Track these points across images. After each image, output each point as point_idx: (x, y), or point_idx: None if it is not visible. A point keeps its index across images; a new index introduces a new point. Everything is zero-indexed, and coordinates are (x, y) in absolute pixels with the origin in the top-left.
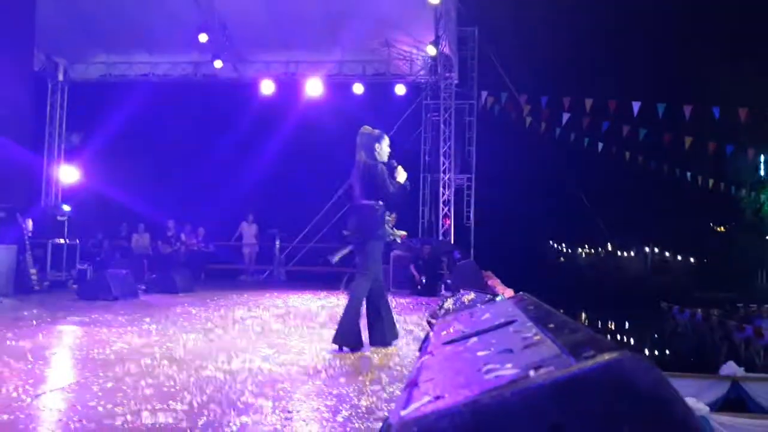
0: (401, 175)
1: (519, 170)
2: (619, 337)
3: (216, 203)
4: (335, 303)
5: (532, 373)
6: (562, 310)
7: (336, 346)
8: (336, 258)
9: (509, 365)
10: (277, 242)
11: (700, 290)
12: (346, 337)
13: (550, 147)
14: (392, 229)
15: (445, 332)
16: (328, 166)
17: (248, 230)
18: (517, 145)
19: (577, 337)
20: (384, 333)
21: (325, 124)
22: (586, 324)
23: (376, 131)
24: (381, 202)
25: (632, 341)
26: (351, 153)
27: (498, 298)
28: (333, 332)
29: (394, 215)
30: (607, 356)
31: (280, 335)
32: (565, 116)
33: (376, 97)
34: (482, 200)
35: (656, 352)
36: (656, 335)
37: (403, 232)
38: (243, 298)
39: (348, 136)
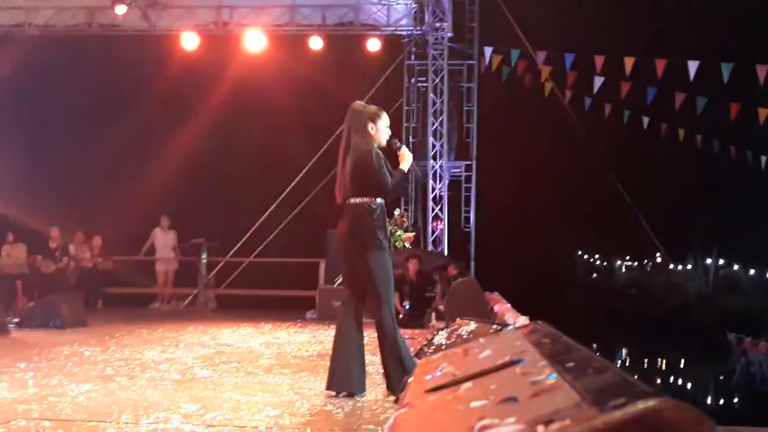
0: (405, 160)
1: (535, 156)
2: (672, 379)
3: (118, 203)
4: (286, 340)
5: (541, 429)
6: (595, 345)
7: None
8: None
9: (512, 419)
10: (204, 256)
11: None
12: (397, 382)
13: (578, 123)
14: (402, 230)
15: (430, 376)
16: (276, 151)
17: (163, 240)
18: (532, 122)
19: (603, 380)
20: (351, 377)
21: (271, 93)
22: (627, 363)
23: (372, 108)
24: (378, 200)
25: (688, 385)
26: (307, 133)
27: (506, 330)
28: (283, 379)
29: (402, 213)
30: (641, 405)
31: (208, 385)
32: (598, 81)
33: (340, 56)
34: (486, 197)
35: (720, 400)
36: (721, 376)
37: (410, 235)
38: (156, 335)
39: (303, 109)
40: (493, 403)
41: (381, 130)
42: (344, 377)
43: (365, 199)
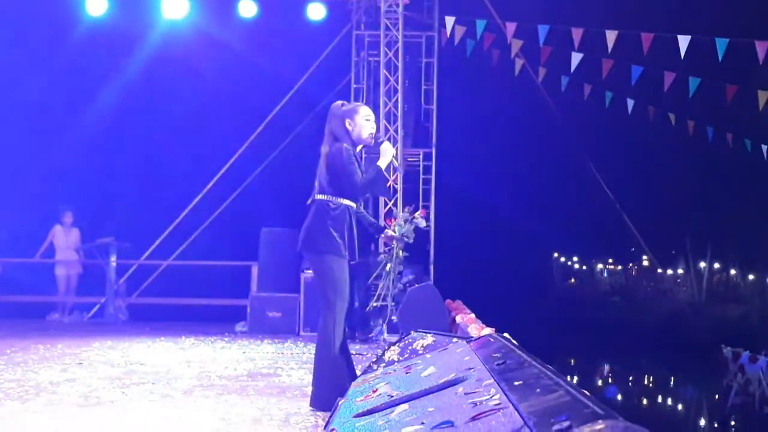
0: (384, 155)
1: (504, 143)
2: (659, 399)
3: (9, 195)
4: (210, 357)
5: None
6: (573, 360)
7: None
8: None
9: None
10: (113, 258)
11: None
12: (327, 399)
13: (553, 106)
14: (412, 225)
15: (362, 398)
16: (200, 134)
17: (65, 239)
18: (501, 103)
19: (551, 401)
20: (324, 393)
21: (195, 68)
22: (609, 380)
23: (348, 105)
24: (343, 201)
25: (678, 406)
26: (238, 114)
27: (455, 344)
28: (206, 403)
29: (420, 212)
30: (587, 429)
31: (115, 411)
32: (576, 58)
33: (276, 25)
34: (448, 190)
35: (714, 424)
36: (715, 396)
37: (422, 221)
38: (55, 351)
39: (233, 87)
40: (427, 429)
41: (359, 124)
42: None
43: (327, 197)
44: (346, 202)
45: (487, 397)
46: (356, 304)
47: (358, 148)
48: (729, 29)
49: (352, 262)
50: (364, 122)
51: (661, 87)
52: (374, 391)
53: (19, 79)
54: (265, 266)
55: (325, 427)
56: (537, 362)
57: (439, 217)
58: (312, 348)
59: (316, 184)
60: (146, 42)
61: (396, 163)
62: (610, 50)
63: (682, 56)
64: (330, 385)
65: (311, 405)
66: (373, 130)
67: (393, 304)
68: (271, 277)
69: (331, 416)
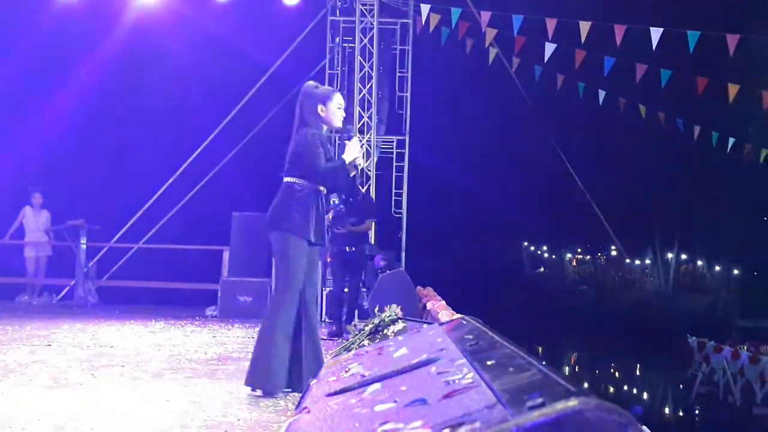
0: (349, 151)
1: (478, 132)
2: (625, 387)
3: None
4: (181, 341)
5: None
6: (541, 348)
7: (249, 388)
8: None
9: (418, 423)
10: (83, 241)
11: (746, 318)
12: (259, 377)
13: (527, 96)
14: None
15: (334, 378)
16: (173, 117)
17: (34, 220)
18: (475, 92)
19: (523, 379)
20: (301, 374)
21: (168, 51)
22: (575, 368)
23: (324, 88)
24: (307, 182)
25: (644, 394)
26: (211, 98)
27: (428, 326)
28: (176, 386)
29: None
30: (560, 405)
31: (84, 392)
32: (550, 48)
33: (251, 8)
34: (421, 177)
35: (679, 412)
36: (680, 385)
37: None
38: (23, 333)
39: (207, 71)
40: (399, 406)
41: (332, 111)
42: (296, 373)
43: (293, 179)
44: (310, 184)
45: (460, 376)
46: (345, 290)
47: (324, 129)
48: (700, 22)
49: (317, 245)
50: (335, 110)
51: (633, 78)
52: (346, 371)
53: (2, 66)
54: (236, 250)
55: (297, 406)
56: (509, 343)
57: (411, 204)
58: None
59: (285, 165)
60: (120, 24)
61: (360, 164)
62: (583, 41)
63: (654, 48)
64: (262, 365)
65: (245, 383)
66: (343, 118)
67: (364, 290)
68: (243, 262)
69: (303, 396)
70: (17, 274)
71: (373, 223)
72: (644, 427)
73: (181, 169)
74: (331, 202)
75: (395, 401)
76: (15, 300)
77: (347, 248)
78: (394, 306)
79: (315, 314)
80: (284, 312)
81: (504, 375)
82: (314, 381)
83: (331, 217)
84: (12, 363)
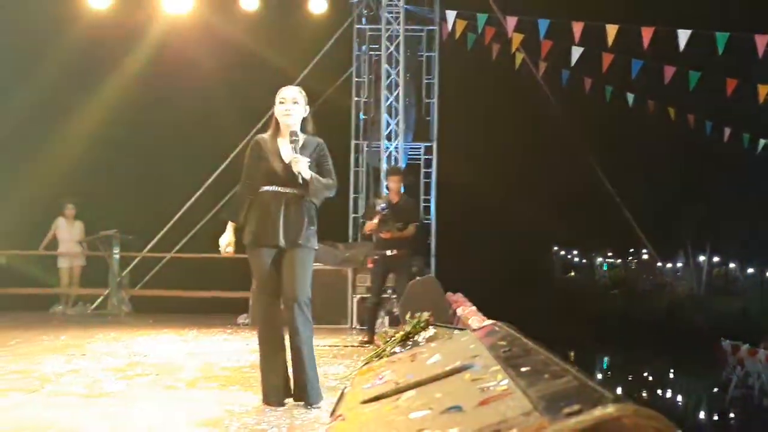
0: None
1: (505, 137)
2: (659, 391)
3: (13, 187)
4: (213, 349)
5: None
6: (572, 353)
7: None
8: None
9: (454, 430)
10: (116, 251)
11: None
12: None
13: (554, 100)
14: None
15: (369, 385)
16: (202, 129)
17: (68, 231)
18: (502, 97)
19: (559, 386)
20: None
21: (196, 62)
22: (608, 372)
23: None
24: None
25: (678, 398)
26: (239, 108)
27: (460, 332)
28: (209, 394)
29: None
30: (598, 412)
31: (119, 401)
32: (576, 51)
33: (278, 19)
34: (449, 183)
35: (714, 416)
36: (714, 389)
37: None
38: (59, 343)
39: (234, 82)
40: (435, 414)
41: (276, 108)
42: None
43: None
44: (267, 188)
45: (495, 382)
46: (383, 296)
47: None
48: (729, 23)
49: (267, 247)
50: (277, 104)
51: (661, 81)
52: (380, 379)
53: (22, 73)
54: None
55: (331, 414)
56: (542, 349)
57: (440, 210)
58: (315, 339)
59: None
60: (148, 36)
61: (297, 171)
62: (610, 44)
63: (682, 50)
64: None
65: (311, 401)
66: (288, 114)
67: (394, 296)
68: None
69: (337, 403)
70: (52, 285)
71: (416, 227)
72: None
73: (211, 179)
74: (377, 207)
75: (430, 408)
76: (50, 310)
77: (389, 252)
78: (425, 313)
79: (293, 321)
80: (260, 317)
81: (539, 382)
82: (348, 388)
83: (377, 221)
84: (48, 373)
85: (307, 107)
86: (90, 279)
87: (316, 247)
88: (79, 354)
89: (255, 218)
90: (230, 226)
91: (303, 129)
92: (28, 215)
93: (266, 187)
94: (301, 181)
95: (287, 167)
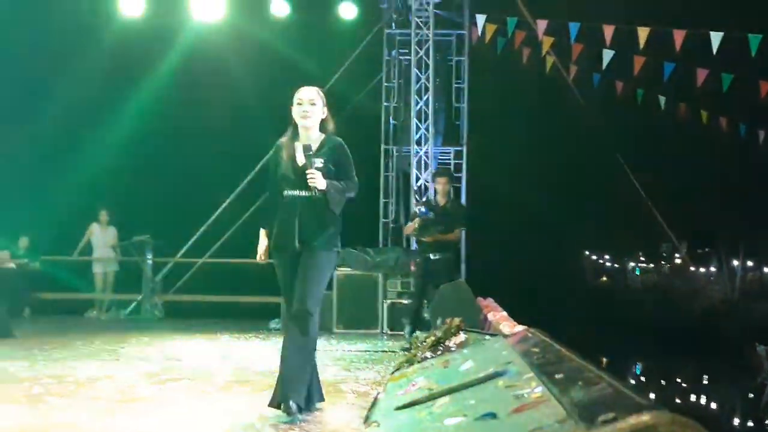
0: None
1: (535, 141)
2: (693, 397)
3: (48, 194)
4: (246, 353)
5: None
6: (605, 359)
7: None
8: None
9: None
10: (150, 257)
11: None
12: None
13: (585, 104)
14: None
15: (402, 391)
16: (233, 134)
17: (101, 236)
18: (532, 101)
19: (594, 393)
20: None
21: (227, 68)
22: (642, 378)
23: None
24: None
25: (712, 404)
26: (270, 113)
27: (493, 338)
28: (243, 399)
29: None
30: (633, 420)
31: (153, 406)
32: (608, 55)
33: (309, 24)
34: (478, 188)
35: (748, 423)
36: (749, 395)
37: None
38: (93, 348)
39: (265, 87)
40: (469, 420)
41: (293, 110)
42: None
43: None
44: (284, 192)
45: (529, 389)
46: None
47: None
48: (762, 25)
49: (288, 252)
50: (295, 105)
51: (693, 84)
52: (413, 385)
53: (56, 82)
54: None
55: (365, 420)
56: (575, 356)
57: (470, 216)
58: (346, 344)
59: None
60: (180, 42)
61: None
62: (641, 47)
63: (715, 52)
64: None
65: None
66: (305, 116)
67: (425, 301)
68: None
69: (370, 409)
70: (86, 290)
71: (463, 232)
72: None
73: (243, 184)
74: (418, 210)
75: (465, 415)
76: (84, 315)
77: (431, 256)
78: (456, 319)
79: (294, 331)
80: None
81: (573, 389)
82: (381, 394)
83: (417, 225)
84: (82, 378)
85: (325, 108)
86: (123, 284)
87: (338, 249)
88: (113, 359)
89: (276, 224)
90: (263, 233)
91: (322, 129)
92: (63, 221)
93: (286, 192)
94: (316, 194)
95: (302, 171)
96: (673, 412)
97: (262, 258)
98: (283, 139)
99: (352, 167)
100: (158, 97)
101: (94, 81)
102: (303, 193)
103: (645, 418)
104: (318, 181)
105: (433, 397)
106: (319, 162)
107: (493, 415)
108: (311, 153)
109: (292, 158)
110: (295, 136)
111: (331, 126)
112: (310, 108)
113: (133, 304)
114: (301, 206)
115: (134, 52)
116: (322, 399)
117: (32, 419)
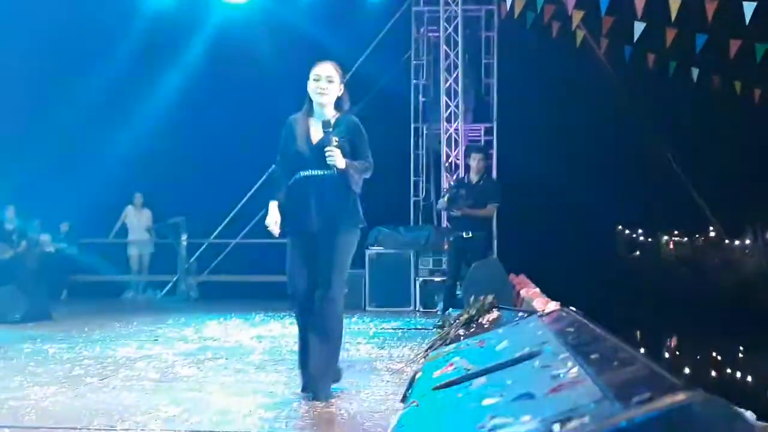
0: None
1: (566, 116)
2: (729, 371)
3: (82, 177)
4: (280, 332)
5: (557, 428)
6: (639, 333)
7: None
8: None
9: (526, 418)
10: (184, 238)
11: None
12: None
13: (616, 78)
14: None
15: (439, 371)
16: (264, 115)
17: (136, 219)
18: (562, 76)
19: (629, 373)
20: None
21: (256, 49)
22: (676, 352)
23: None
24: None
25: (748, 378)
26: (300, 94)
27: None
28: (279, 378)
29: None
30: (668, 400)
31: (192, 385)
32: (639, 27)
33: (336, 2)
34: (509, 164)
35: None
36: None
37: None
38: (131, 329)
39: (294, 67)
40: (507, 400)
41: (309, 85)
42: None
43: None
44: (298, 171)
45: (565, 370)
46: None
47: (317, 106)
48: None
49: (305, 234)
50: (311, 81)
51: (726, 55)
52: (450, 365)
53: (87, 67)
54: None
55: (402, 399)
56: (610, 335)
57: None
58: (378, 323)
59: None
60: (208, 25)
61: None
62: (673, 19)
63: (747, 22)
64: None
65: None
66: (323, 93)
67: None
68: None
69: (408, 389)
70: (122, 272)
71: (496, 209)
72: (749, 413)
73: (273, 165)
74: (447, 184)
75: (502, 395)
76: (121, 297)
77: (464, 234)
78: (489, 296)
79: (318, 320)
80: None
81: (609, 369)
82: (419, 374)
83: (446, 199)
84: (121, 358)
85: (342, 85)
86: (159, 265)
87: (362, 225)
88: (151, 339)
89: (290, 205)
90: (272, 205)
91: (338, 107)
92: (98, 205)
93: (299, 172)
94: (335, 172)
95: (317, 149)
96: (708, 392)
97: (275, 231)
98: (297, 115)
99: (367, 147)
100: (190, 79)
101: (125, 65)
102: (319, 172)
103: (680, 397)
104: (338, 158)
105: (469, 377)
106: (336, 140)
107: (530, 396)
108: (330, 130)
109: (307, 136)
110: (310, 112)
111: (346, 104)
112: (327, 85)
113: (169, 285)
114: (317, 186)
115: (164, 36)
116: (338, 379)
117: (74, 400)
